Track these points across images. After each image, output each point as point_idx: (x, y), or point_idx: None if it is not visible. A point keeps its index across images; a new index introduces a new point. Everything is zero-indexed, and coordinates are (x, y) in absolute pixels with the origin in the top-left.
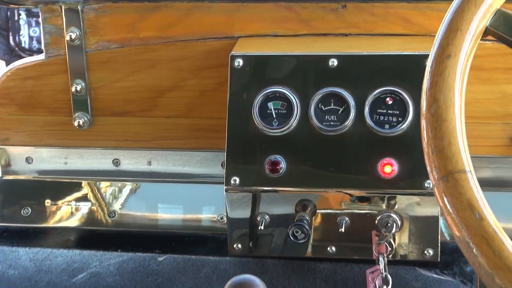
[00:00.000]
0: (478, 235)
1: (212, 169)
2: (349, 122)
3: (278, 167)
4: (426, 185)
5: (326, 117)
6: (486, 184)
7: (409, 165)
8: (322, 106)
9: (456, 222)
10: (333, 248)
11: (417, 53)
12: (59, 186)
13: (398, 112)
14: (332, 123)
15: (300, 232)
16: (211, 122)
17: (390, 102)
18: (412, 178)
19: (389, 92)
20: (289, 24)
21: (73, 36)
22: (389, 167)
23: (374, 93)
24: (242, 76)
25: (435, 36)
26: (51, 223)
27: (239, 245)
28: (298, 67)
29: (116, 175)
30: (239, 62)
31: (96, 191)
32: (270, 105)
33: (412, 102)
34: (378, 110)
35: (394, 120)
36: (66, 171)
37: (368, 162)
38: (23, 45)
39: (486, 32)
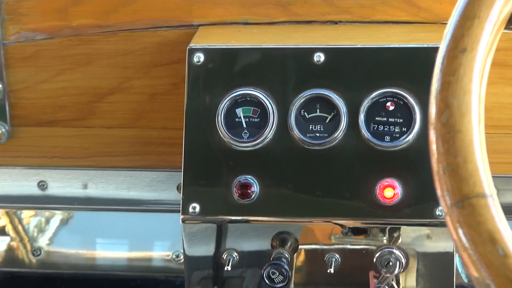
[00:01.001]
0: (501, 275)
1: (166, 193)
2: (339, 133)
3: (249, 191)
4: (437, 212)
5: (311, 127)
6: None
7: (415, 187)
8: (306, 113)
9: (474, 260)
10: None
11: (424, 46)
12: None
13: (401, 120)
14: (318, 134)
15: (277, 273)
16: (164, 133)
17: (391, 108)
18: (420, 204)
19: (390, 95)
20: (263, 9)
21: None
22: (390, 191)
23: (371, 97)
24: (203, 75)
25: (447, 24)
26: None
27: None
28: (275, 63)
29: (43, 201)
30: (199, 57)
31: (17, 222)
32: (239, 111)
33: (419, 107)
34: (376, 118)
35: (396, 130)
36: None
37: (364, 184)
38: None
39: None
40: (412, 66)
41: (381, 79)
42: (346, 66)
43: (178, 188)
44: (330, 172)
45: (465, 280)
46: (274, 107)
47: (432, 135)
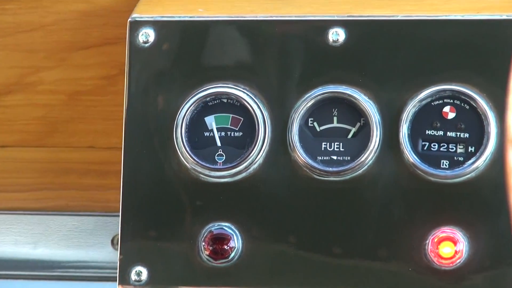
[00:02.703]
0: None
1: (94, 250)
2: (369, 156)
3: (226, 247)
4: None
5: (324, 146)
6: None
7: (489, 241)
8: (316, 124)
9: None
10: None
11: (504, 18)
12: None
13: (467, 135)
14: (335, 157)
15: None
16: (91, 155)
17: (451, 116)
18: (495, 268)
19: (448, 95)
20: None
21: None
22: (449, 246)
23: (419, 98)
24: (153, 64)
25: None
26: None
27: None
28: (268, 45)
29: None
30: (146, 35)
31: None
32: (211, 121)
33: (495, 115)
34: (427, 132)
35: (459, 151)
36: None
37: (409, 235)
38: None
39: None
40: (484, 49)
41: (435, 70)
42: (379, 50)
43: (113, 242)
44: (354, 217)
45: None
46: (266, 114)
47: None
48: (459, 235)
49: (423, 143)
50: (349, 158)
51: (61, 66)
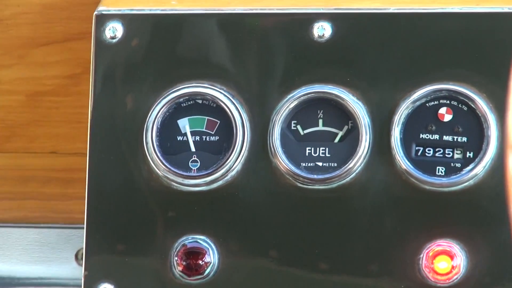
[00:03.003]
0: None
1: (57, 265)
2: (357, 161)
3: (201, 262)
4: None
5: (308, 152)
6: None
7: (489, 256)
8: (300, 127)
9: None
10: None
11: (505, 10)
12: None
13: (465, 139)
14: (320, 164)
15: None
16: (53, 162)
17: (447, 118)
18: (496, 285)
19: (445, 95)
20: None
21: None
22: (446, 261)
23: (412, 98)
24: (122, 61)
25: None
26: None
27: None
28: (247, 41)
29: None
30: (114, 29)
31: None
32: (184, 124)
33: (495, 117)
34: (421, 136)
35: (456, 157)
36: None
37: (401, 249)
38: None
39: None
40: (483, 45)
41: (430, 68)
42: (368, 46)
43: (77, 256)
44: (341, 228)
45: None
46: (244, 116)
47: None
48: (456, 248)
49: (417, 148)
50: (335, 164)
51: (20, 64)
